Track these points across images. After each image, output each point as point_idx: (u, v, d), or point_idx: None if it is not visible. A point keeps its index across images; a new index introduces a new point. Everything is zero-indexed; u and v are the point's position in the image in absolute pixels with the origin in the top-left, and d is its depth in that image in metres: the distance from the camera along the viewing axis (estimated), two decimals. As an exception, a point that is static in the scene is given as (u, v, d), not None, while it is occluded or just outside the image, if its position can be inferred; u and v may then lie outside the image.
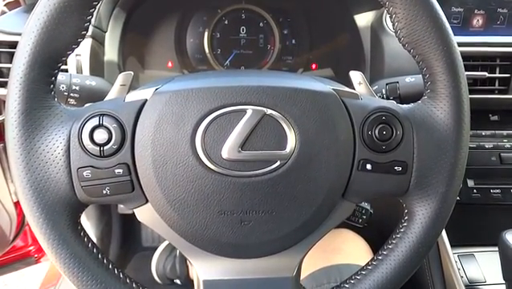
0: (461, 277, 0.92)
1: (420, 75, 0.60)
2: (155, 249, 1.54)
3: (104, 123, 0.49)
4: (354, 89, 0.63)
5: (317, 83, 0.56)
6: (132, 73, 0.61)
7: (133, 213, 0.51)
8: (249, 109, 0.49)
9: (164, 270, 1.51)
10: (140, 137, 0.48)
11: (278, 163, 0.49)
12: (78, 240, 0.53)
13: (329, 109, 0.54)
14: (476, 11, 1.02)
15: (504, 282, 0.71)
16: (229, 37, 1.04)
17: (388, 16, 0.90)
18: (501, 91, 0.87)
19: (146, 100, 0.50)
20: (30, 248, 1.71)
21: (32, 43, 0.50)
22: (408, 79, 0.71)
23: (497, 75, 0.86)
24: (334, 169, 0.51)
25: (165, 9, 1.01)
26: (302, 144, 0.49)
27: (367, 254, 0.88)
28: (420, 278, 1.02)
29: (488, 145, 0.90)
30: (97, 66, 0.87)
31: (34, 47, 0.50)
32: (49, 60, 0.52)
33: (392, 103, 0.57)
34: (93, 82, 0.73)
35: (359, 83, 0.63)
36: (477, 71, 0.85)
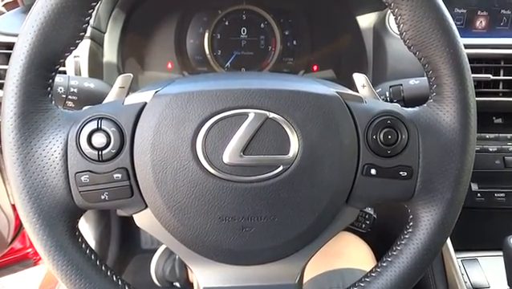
0: (465, 282, 0.90)
1: (425, 78, 0.58)
2: (154, 251, 1.53)
3: (103, 126, 0.48)
4: (357, 92, 0.62)
5: (320, 86, 0.55)
6: (132, 75, 0.60)
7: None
8: (252, 113, 0.48)
9: (163, 273, 1.49)
10: (139, 141, 0.47)
11: (280, 168, 0.48)
12: (75, 246, 0.52)
13: (333, 113, 0.52)
14: (479, 12, 1.01)
15: (508, 287, 0.69)
16: (230, 38, 1.03)
17: (390, 17, 0.91)
18: (505, 94, 0.86)
19: (146, 103, 0.49)
20: (28, 250, 1.69)
21: (29, 45, 0.49)
22: (412, 81, 0.70)
23: (502, 77, 0.85)
24: (338, 174, 0.50)
25: (165, 9, 1.00)
26: (306, 149, 0.48)
27: (370, 259, 0.87)
28: (424, 283, 1.01)
29: (492, 148, 0.89)
30: (96, 67, 0.86)
31: (31, 49, 0.49)
32: (46, 62, 0.50)
33: (396, 107, 0.56)
34: (91, 84, 0.72)
35: (363, 86, 0.62)
36: (481, 73, 0.84)
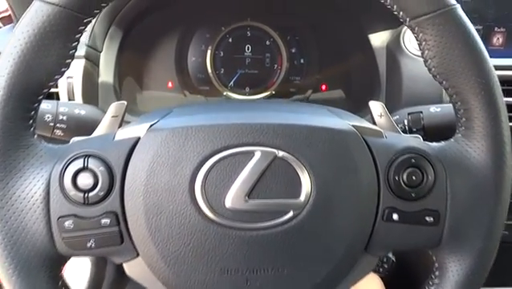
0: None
1: (447, 105, 0.53)
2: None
3: (90, 165, 0.44)
4: (374, 122, 0.56)
5: (334, 119, 0.50)
6: (125, 103, 0.55)
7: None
8: (258, 151, 0.44)
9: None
10: (130, 182, 0.44)
11: (291, 213, 0.43)
12: None
13: (349, 150, 0.47)
14: (496, 29, 0.95)
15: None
16: (234, 56, 1.00)
17: (405, 36, 0.86)
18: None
19: (139, 138, 0.45)
20: None
21: (7, 74, 0.43)
22: (433, 108, 0.64)
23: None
24: (355, 220, 0.44)
25: (165, 26, 0.97)
26: (319, 192, 0.43)
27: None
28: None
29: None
30: (91, 88, 0.83)
31: (10, 79, 0.43)
32: (27, 93, 0.45)
33: (420, 142, 0.50)
34: (82, 110, 0.66)
35: (380, 116, 0.56)
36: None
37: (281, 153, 0.44)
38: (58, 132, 0.65)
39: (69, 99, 0.80)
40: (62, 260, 0.45)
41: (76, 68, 0.82)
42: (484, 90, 0.47)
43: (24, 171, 0.43)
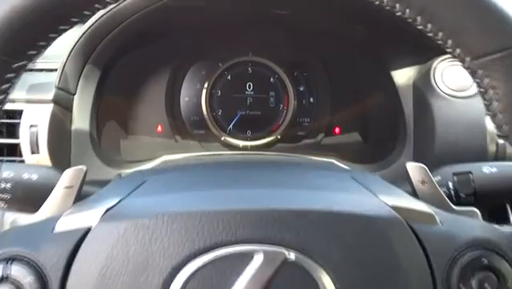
0: None
1: (504, 163, 0.39)
2: None
3: (13, 274, 0.32)
4: (413, 189, 0.44)
5: (366, 197, 0.35)
6: (85, 168, 0.42)
7: None
8: (260, 252, 0.31)
9: None
10: None
11: None
12: None
13: (391, 246, 0.32)
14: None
15: None
16: (233, 95, 0.92)
17: (437, 72, 0.73)
18: None
19: (88, 230, 0.33)
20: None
21: None
22: (487, 168, 0.50)
23: None
24: None
25: (154, 62, 0.89)
26: None
27: None
28: None
29: None
30: (61, 138, 0.73)
31: None
32: None
33: (488, 228, 0.36)
34: (34, 175, 0.52)
35: (423, 182, 0.42)
36: None
37: (292, 254, 0.32)
38: (1, 204, 0.50)
39: (32, 153, 0.66)
40: None
41: (42, 115, 0.69)
42: None
43: None
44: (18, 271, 0.32)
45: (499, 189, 0.51)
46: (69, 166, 0.74)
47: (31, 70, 0.73)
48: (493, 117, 0.35)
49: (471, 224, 0.37)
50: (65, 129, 0.74)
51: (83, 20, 0.34)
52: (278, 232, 0.32)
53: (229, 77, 0.92)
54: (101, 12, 0.68)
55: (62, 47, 0.71)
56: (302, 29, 0.86)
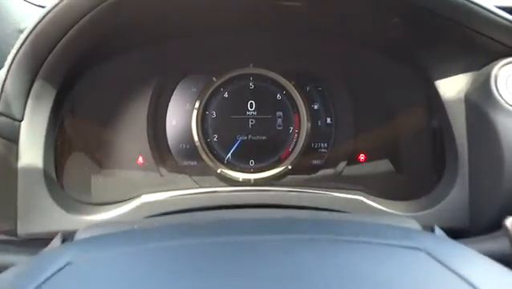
0: None
1: None
2: None
3: None
4: None
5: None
6: None
7: None
8: None
9: None
10: None
11: None
12: None
13: None
14: None
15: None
16: (232, 116, 0.80)
17: (497, 80, 0.61)
18: None
19: None
20: None
21: None
22: None
23: None
24: None
25: (132, 76, 0.77)
26: None
27: None
28: None
29: None
30: (3, 178, 0.59)
31: None
32: None
33: None
34: None
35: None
36: None
37: None
38: None
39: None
40: None
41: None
42: None
43: None
44: None
45: None
46: (15, 215, 0.59)
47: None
48: None
49: None
50: (9, 166, 0.59)
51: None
52: None
53: (225, 94, 0.81)
54: (46, 9, 0.51)
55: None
56: (316, 30, 0.73)
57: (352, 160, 0.80)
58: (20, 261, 0.49)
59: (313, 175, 0.80)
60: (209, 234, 0.39)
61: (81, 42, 0.56)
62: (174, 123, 0.80)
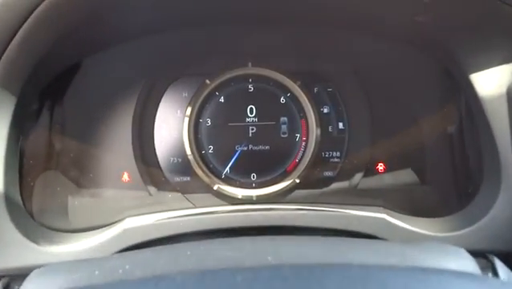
0: None
1: None
2: None
3: None
4: None
5: None
6: None
7: None
8: None
9: None
10: None
11: None
12: None
13: None
14: None
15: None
16: (229, 124, 0.75)
17: None
18: None
19: None
20: None
21: None
22: None
23: None
24: None
25: (114, 78, 0.71)
26: None
27: None
28: None
29: None
30: None
31: None
32: None
33: None
34: None
35: None
36: None
37: None
38: None
39: None
40: None
41: None
42: None
43: None
44: None
45: None
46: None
47: None
48: None
49: None
50: None
51: None
52: None
53: (221, 99, 0.75)
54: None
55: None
56: (324, 20, 0.65)
57: (369, 171, 0.75)
58: None
59: (324, 189, 0.74)
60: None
61: (44, 35, 0.48)
62: (163, 132, 0.75)
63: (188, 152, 0.73)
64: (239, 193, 0.72)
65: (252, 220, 0.63)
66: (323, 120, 0.75)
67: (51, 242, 0.58)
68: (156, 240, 0.61)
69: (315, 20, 0.65)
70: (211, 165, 0.74)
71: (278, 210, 0.65)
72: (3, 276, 0.55)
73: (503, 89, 0.56)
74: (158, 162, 0.74)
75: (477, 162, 0.63)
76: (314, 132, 0.75)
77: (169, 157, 0.74)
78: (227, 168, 0.74)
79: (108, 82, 0.72)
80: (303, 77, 0.76)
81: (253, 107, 0.75)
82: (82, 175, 0.72)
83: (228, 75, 0.75)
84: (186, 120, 0.74)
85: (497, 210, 0.55)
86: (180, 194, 0.72)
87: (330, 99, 0.76)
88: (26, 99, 0.56)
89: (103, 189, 0.73)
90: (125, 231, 0.60)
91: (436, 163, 0.73)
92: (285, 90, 0.76)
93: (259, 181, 0.74)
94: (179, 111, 0.75)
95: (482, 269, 0.42)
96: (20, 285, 0.42)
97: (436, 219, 0.61)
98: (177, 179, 0.74)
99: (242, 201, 0.71)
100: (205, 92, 0.75)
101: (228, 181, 0.74)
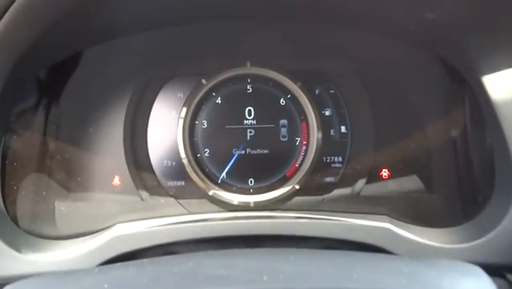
0: None
1: None
2: None
3: None
4: None
5: None
6: None
7: None
8: None
9: None
10: None
11: None
12: None
13: None
14: None
15: None
16: (226, 126, 0.73)
17: None
18: None
19: None
20: None
21: None
22: None
23: None
24: None
25: (105, 77, 0.69)
26: None
27: None
28: None
29: None
30: None
31: None
32: None
33: None
34: None
35: None
36: None
37: None
38: None
39: None
40: None
41: None
42: None
43: None
44: None
45: None
46: None
47: None
48: None
49: None
50: None
51: None
52: None
53: (218, 100, 0.73)
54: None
55: None
56: (326, 18, 0.63)
57: (373, 177, 0.73)
58: None
59: (325, 196, 0.71)
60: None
61: (34, 28, 0.46)
62: (157, 135, 0.73)
63: (183, 155, 0.71)
64: (236, 199, 0.70)
65: (249, 228, 0.60)
66: (324, 123, 0.74)
67: (35, 249, 0.55)
68: (147, 248, 0.59)
69: (317, 17, 0.62)
70: (207, 170, 0.73)
71: (276, 218, 0.63)
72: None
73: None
74: (151, 165, 0.73)
75: (487, 169, 0.59)
76: (316, 135, 0.73)
77: (163, 160, 0.73)
78: (223, 173, 0.73)
79: (102, 79, 0.70)
80: (304, 78, 0.74)
81: (251, 108, 0.74)
82: (70, 178, 0.71)
83: (225, 75, 0.73)
84: (181, 121, 0.72)
85: (510, 221, 0.51)
86: (173, 200, 0.71)
87: (332, 101, 0.75)
88: (8, 99, 0.52)
89: (92, 193, 0.71)
90: (114, 239, 0.57)
91: (442, 169, 0.71)
92: (285, 91, 0.74)
93: (257, 186, 0.72)
94: (174, 112, 0.73)
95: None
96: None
97: (444, 229, 0.59)
98: (171, 183, 0.73)
99: (239, 207, 0.69)
100: (202, 93, 0.73)
101: (224, 186, 0.72)
